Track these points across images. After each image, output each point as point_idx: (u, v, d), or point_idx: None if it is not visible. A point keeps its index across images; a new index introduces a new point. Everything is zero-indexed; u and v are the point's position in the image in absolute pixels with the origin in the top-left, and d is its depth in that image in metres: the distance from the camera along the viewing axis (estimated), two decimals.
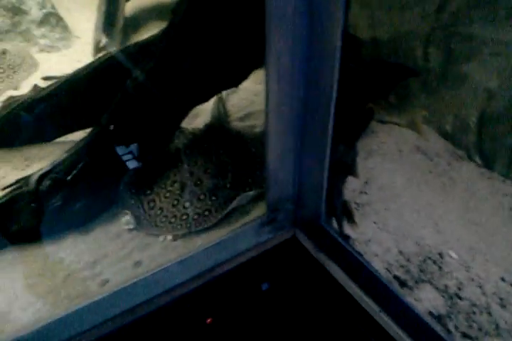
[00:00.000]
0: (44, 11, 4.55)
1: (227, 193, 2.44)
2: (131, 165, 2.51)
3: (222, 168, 2.54)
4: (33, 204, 2.31)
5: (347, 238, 2.37)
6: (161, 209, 2.41)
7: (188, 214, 2.35)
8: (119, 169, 2.54)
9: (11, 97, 3.10)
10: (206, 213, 2.36)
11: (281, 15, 1.65)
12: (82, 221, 2.44)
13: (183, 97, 2.52)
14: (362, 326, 2.11)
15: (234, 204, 2.38)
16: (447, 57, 2.89)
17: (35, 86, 3.12)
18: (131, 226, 2.40)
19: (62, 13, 4.74)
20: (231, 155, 2.65)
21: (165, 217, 2.37)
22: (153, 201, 2.46)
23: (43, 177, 2.32)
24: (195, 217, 2.35)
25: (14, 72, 4.07)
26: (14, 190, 2.34)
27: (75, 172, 2.35)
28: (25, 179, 2.41)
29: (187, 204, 2.39)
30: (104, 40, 4.35)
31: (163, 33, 2.55)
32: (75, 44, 4.67)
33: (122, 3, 4.43)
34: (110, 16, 4.38)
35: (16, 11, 4.49)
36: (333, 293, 2.20)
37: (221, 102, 3.26)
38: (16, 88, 3.94)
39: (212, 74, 2.48)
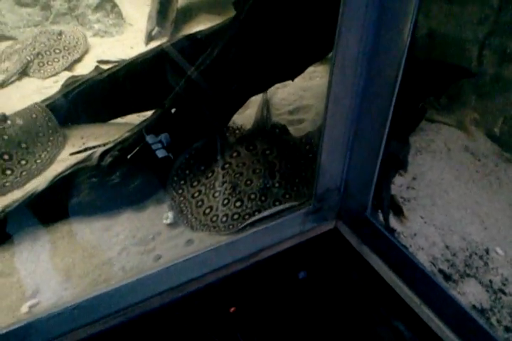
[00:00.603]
0: None
1: (276, 192, 2.50)
2: (160, 154, 2.55)
3: (270, 169, 2.60)
4: (93, 179, 2.42)
5: (392, 231, 2.40)
6: (210, 208, 2.46)
7: (239, 214, 2.40)
8: (176, 151, 2.63)
9: (73, 76, 3.23)
10: (256, 214, 2.40)
11: (355, 7, 1.69)
12: (137, 199, 2.54)
13: (243, 87, 2.61)
14: (401, 318, 2.13)
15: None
16: (501, 61, 2.90)
17: (97, 67, 3.23)
18: (168, 222, 2.46)
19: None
20: (278, 155, 2.71)
21: (215, 216, 2.43)
22: (202, 201, 2.51)
23: (105, 153, 2.43)
24: (247, 216, 2.39)
25: (69, 53, 4.21)
26: (77, 163, 2.45)
27: (135, 151, 2.45)
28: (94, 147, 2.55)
29: (238, 203, 2.45)
30: (156, 30, 4.46)
31: (229, 25, 2.62)
32: (128, 31, 4.82)
33: None
34: (164, 7, 4.50)
35: None
36: (372, 284, 2.24)
37: (265, 105, 3.32)
38: (70, 69, 4.10)
39: (272, 66, 2.57)
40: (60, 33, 4.39)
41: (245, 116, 3.19)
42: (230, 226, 2.37)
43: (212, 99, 2.61)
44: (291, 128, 3.10)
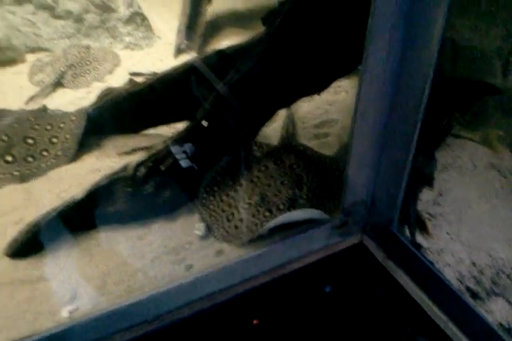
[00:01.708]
0: (131, 10, 4.87)
1: (303, 204, 2.55)
2: (184, 164, 2.62)
3: (297, 181, 2.67)
4: (128, 189, 2.50)
5: (419, 247, 2.43)
6: (240, 220, 2.53)
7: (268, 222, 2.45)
8: (207, 162, 2.73)
9: (108, 88, 3.34)
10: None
11: (382, 23, 1.74)
12: (169, 209, 2.63)
13: (270, 101, 2.69)
14: (427, 336, 2.14)
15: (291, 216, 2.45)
16: None
17: (131, 80, 3.34)
18: (200, 233, 2.53)
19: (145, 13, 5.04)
20: (304, 170, 2.77)
21: (246, 227, 2.49)
22: (232, 214, 2.58)
23: (140, 164, 2.52)
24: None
25: (99, 64, 4.35)
26: (114, 174, 2.54)
27: (168, 163, 2.54)
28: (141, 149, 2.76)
29: (267, 213, 2.51)
30: (185, 43, 4.58)
31: (258, 40, 2.71)
32: (157, 43, 4.98)
33: (204, 8, 4.69)
34: (193, 21, 4.65)
35: (105, 9, 4.83)
36: (398, 300, 2.26)
37: (290, 119, 3.39)
38: (100, 80, 4.24)
39: (300, 80, 2.64)
40: (88, 47, 4.58)
41: (272, 130, 3.25)
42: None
43: (241, 114, 2.69)
44: (316, 142, 3.17)
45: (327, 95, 3.47)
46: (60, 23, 4.80)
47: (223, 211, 2.60)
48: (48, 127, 3.14)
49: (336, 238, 2.41)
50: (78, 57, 4.38)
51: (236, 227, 2.49)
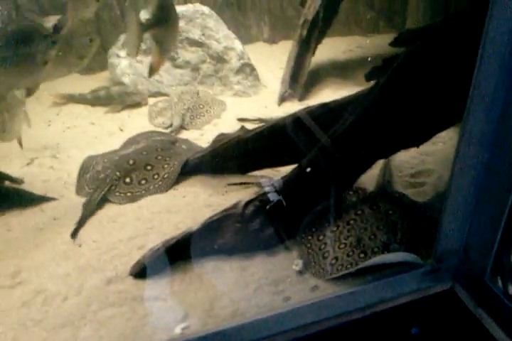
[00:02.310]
0: (242, 61, 5.39)
1: (397, 249, 2.69)
2: (272, 197, 2.86)
3: (392, 227, 2.82)
4: (237, 224, 2.81)
5: (511, 298, 2.44)
6: (335, 258, 2.73)
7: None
8: (308, 204, 2.98)
9: (222, 134, 3.75)
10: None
11: (482, 93, 1.92)
12: (270, 244, 2.88)
13: (371, 152, 2.89)
14: None
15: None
16: None
17: (243, 127, 3.73)
18: (298, 269, 2.73)
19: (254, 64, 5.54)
20: (400, 216, 2.91)
21: (341, 265, 2.68)
22: (328, 252, 2.78)
23: (248, 203, 2.85)
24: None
25: (210, 107, 4.84)
26: (225, 210, 2.87)
27: (273, 203, 2.83)
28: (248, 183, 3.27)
29: (362, 255, 2.68)
30: (288, 92, 4.97)
31: (362, 94, 2.95)
32: (263, 92, 5.44)
33: (308, 61, 5.07)
34: (296, 71, 5.05)
35: (219, 60, 5.40)
36: None
37: (387, 167, 3.55)
38: (210, 123, 4.72)
39: (403, 133, 2.81)
40: (198, 92, 5.11)
41: (369, 176, 3.40)
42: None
43: (342, 163, 2.91)
44: (412, 190, 3.30)
45: (424, 145, 3.53)
46: (179, 71, 5.43)
47: (320, 249, 2.80)
48: (167, 158, 3.62)
49: (427, 283, 2.50)
50: (192, 101, 4.90)
51: (331, 265, 2.69)
